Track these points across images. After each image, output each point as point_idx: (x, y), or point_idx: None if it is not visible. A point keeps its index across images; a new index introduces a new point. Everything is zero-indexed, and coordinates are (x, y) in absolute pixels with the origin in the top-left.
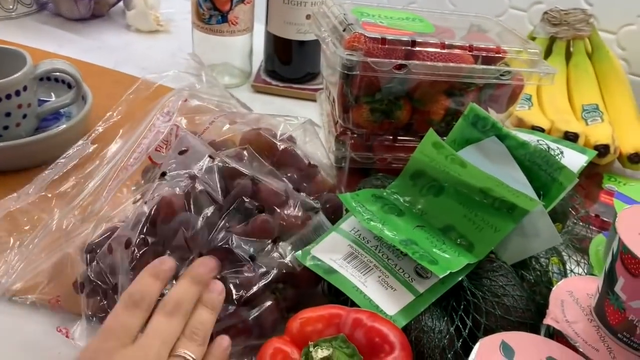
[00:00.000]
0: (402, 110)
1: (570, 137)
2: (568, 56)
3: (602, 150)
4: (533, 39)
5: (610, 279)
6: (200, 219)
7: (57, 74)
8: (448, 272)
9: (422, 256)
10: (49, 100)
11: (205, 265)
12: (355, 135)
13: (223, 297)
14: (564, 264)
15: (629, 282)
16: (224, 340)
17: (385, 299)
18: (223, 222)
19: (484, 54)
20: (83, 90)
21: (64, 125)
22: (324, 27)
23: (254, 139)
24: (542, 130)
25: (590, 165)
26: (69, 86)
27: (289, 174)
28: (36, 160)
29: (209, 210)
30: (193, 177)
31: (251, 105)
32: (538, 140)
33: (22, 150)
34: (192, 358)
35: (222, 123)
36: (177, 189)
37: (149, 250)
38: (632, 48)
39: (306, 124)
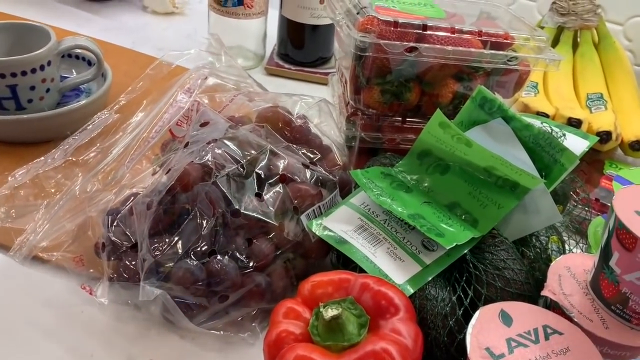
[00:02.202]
0: (411, 92)
1: (574, 123)
2: (575, 46)
3: (604, 136)
4: (541, 28)
5: (605, 253)
6: (225, 184)
7: (79, 51)
8: (454, 244)
9: (430, 229)
10: (69, 77)
11: None
12: (365, 116)
13: None
14: (563, 243)
15: (623, 256)
16: None
17: (394, 268)
18: (245, 188)
19: (493, 39)
20: (104, 68)
21: (85, 100)
22: (338, 10)
23: (271, 116)
24: (546, 116)
25: (593, 151)
26: (89, 63)
27: (304, 150)
28: (57, 133)
29: (231, 169)
30: (213, 141)
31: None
32: (542, 123)
33: (44, 123)
34: None
35: (241, 101)
36: (197, 158)
37: (170, 210)
38: (638, 39)
39: (321, 103)
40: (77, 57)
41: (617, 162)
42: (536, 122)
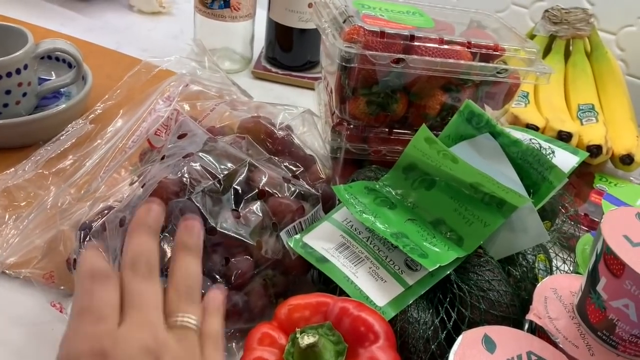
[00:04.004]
0: (398, 103)
1: (564, 137)
2: (567, 55)
3: (595, 150)
4: (533, 36)
5: (592, 278)
6: (200, 200)
7: (58, 53)
8: (437, 265)
9: (413, 249)
10: (49, 79)
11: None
12: (351, 127)
13: (202, 237)
14: (550, 261)
15: (610, 282)
16: (218, 293)
17: (375, 289)
18: (222, 205)
19: (483, 51)
20: (83, 71)
21: (64, 105)
22: (325, 17)
23: (252, 127)
24: (536, 128)
25: (583, 164)
26: (70, 66)
27: (286, 163)
28: (35, 138)
29: (206, 185)
30: (189, 155)
31: (250, 91)
32: (531, 139)
33: (21, 128)
34: (194, 322)
35: (223, 109)
36: (172, 173)
37: None
38: (631, 49)
39: (305, 114)
40: (57, 59)
41: (607, 176)
42: (525, 137)
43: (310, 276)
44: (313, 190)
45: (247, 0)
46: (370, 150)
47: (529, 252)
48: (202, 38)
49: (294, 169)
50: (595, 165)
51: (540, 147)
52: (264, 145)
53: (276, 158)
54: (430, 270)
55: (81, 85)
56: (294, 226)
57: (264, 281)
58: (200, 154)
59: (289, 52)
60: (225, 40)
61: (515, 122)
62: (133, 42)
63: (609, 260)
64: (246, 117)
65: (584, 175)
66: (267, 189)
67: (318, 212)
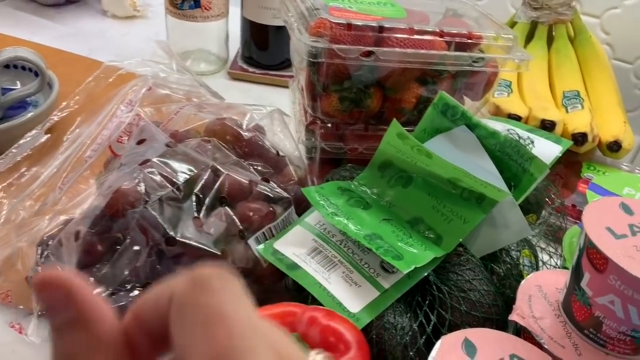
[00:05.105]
0: (372, 98)
1: (548, 126)
2: (550, 41)
3: (580, 138)
4: (514, 23)
5: (576, 274)
6: (157, 209)
7: (23, 62)
8: (413, 267)
9: (387, 251)
10: (14, 89)
11: None
12: (325, 125)
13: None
14: (536, 256)
15: (594, 277)
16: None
17: (348, 295)
18: (183, 212)
19: (457, 39)
20: (47, 79)
21: (29, 114)
22: (292, 11)
23: (218, 129)
24: (518, 118)
25: (570, 153)
26: (37, 74)
27: (256, 165)
28: (1, 150)
29: (164, 193)
30: (146, 161)
31: (228, 92)
32: (509, 130)
33: None
34: None
35: (188, 112)
36: (128, 181)
37: (101, 239)
38: (616, 32)
39: (274, 113)
40: (23, 67)
41: (596, 164)
42: (503, 128)
43: (285, 283)
44: (284, 193)
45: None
46: (347, 148)
47: (512, 247)
48: (175, 40)
49: (264, 171)
50: (583, 153)
51: (519, 137)
52: (232, 148)
53: (245, 161)
54: (406, 272)
55: (48, 94)
56: (264, 232)
57: None
58: (157, 160)
59: (265, 50)
60: (199, 41)
61: (497, 112)
62: (106, 47)
63: (591, 255)
64: (213, 120)
65: (571, 165)
66: (233, 193)
67: (290, 215)
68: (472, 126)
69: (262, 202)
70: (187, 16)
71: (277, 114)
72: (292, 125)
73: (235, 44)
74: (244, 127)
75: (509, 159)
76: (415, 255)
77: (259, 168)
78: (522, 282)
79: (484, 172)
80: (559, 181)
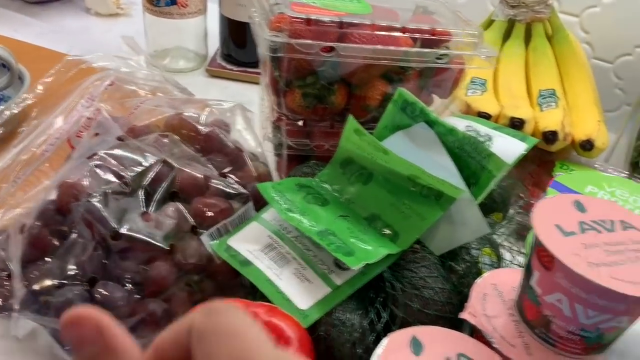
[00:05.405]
0: (336, 95)
1: (517, 124)
2: (528, 39)
3: (551, 137)
4: (492, 21)
5: (527, 272)
6: (102, 203)
7: None
8: (363, 263)
9: (339, 247)
10: None
11: None
12: (291, 121)
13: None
14: (497, 255)
15: (543, 275)
16: None
17: (299, 292)
18: (131, 207)
19: (416, 35)
20: (19, 73)
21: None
22: (256, 7)
23: (176, 124)
24: (488, 116)
25: (544, 152)
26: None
27: (215, 161)
28: None
29: (112, 187)
30: (93, 155)
31: (206, 90)
32: (467, 127)
33: None
34: None
35: (149, 107)
36: (75, 174)
37: (47, 233)
38: (596, 31)
39: (235, 109)
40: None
41: (569, 163)
42: (463, 124)
43: (240, 280)
44: (242, 189)
45: None
46: (312, 145)
47: (473, 246)
48: (153, 37)
49: (222, 167)
50: (558, 152)
51: (478, 134)
52: (190, 143)
53: (203, 156)
54: (355, 268)
55: (18, 89)
56: (218, 228)
57: (189, 287)
58: (103, 153)
59: (243, 48)
60: (178, 38)
61: (468, 110)
62: (87, 45)
63: (540, 253)
64: (172, 115)
65: (545, 164)
66: (187, 188)
67: (248, 212)
68: (431, 123)
69: (219, 197)
70: (163, 13)
71: (239, 109)
72: (259, 122)
73: (215, 41)
74: (202, 121)
75: (468, 156)
76: (368, 251)
77: (218, 163)
78: (478, 280)
79: (441, 169)
80: (529, 180)
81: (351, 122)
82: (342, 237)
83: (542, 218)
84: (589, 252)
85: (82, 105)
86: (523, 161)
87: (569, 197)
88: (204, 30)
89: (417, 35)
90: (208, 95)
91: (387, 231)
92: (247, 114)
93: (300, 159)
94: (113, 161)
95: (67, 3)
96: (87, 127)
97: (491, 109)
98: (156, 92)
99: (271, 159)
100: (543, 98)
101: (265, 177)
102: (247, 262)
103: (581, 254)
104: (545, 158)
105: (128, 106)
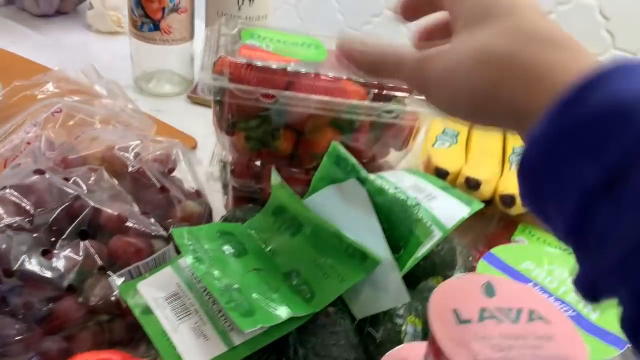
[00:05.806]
0: (281, 140)
1: (472, 185)
2: None
3: (507, 201)
4: None
5: (427, 353)
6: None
7: None
8: (259, 326)
9: (238, 306)
10: None
11: None
12: (239, 162)
13: None
14: (425, 323)
15: None
16: None
17: (193, 349)
18: (34, 243)
19: (371, 88)
20: None
21: None
22: (205, 46)
23: (108, 158)
24: (445, 173)
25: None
26: None
27: (142, 199)
28: None
29: (13, 221)
30: (2, 188)
31: (185, 117)
32: (413, 184)
33: None
34: None
35: (90, 137)
36: None
37: None
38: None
39: (173, 147)
40: None
41: (532, 228)
42: (407, 182)
43: None
44: (160, 230)
45: (180, 24)
46: (257, 187)
47: (399, 312)
48: (139, 61)
49: (146, 206)
50: (521, 215)
51: (407, 197)
52: (120, 178)
53: (134, 194)
54: (245, 332)
55: None
56: (129, 270)
57: (99, 326)
58: (10, 189)
59: None
60: (163, 62)
61: (427, 164)
62: (78, 60)
63: (432, 338)
64: (106, 147)
65: (508, 226)
66: (102, 226)
67: (166, 254)
68: (362, 180)
69: (141, 238)
70: (146, 38)
71: (179, 148)
72: (212, 159)
73: None
74: (136, 157)
75: (397, 219)
76: (269, 314)
77: (143, 202)
78: (387, 353)
79: (367, 230)
80: (484, 242)
81: (274, 177)
82: (246, 294)
83: (442, 300)
84: (478, 345)
85: (25, 132)
86: (486, 221)
87: (481, 278)
88: (191, 55)
89: (367, 88)
90: (187, 122)
91: (304, 289)
92: (189, 153)
93: (250, 200)
94: (19, 195)
95: (71, 18)
96: (23, 152)
97: (451, 165)
98: (109, 120)
99: (220, 198)
100: (516, 155)
101: (196, 218)
102: (148, 310)
103: (469, 347)
104: (509, 219)
105: (72, 134)
